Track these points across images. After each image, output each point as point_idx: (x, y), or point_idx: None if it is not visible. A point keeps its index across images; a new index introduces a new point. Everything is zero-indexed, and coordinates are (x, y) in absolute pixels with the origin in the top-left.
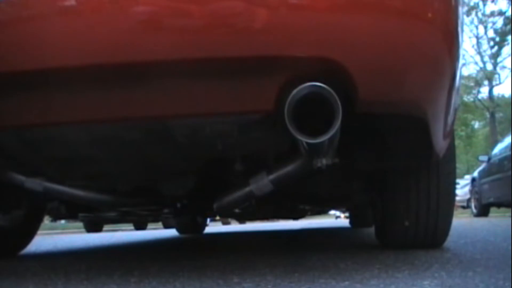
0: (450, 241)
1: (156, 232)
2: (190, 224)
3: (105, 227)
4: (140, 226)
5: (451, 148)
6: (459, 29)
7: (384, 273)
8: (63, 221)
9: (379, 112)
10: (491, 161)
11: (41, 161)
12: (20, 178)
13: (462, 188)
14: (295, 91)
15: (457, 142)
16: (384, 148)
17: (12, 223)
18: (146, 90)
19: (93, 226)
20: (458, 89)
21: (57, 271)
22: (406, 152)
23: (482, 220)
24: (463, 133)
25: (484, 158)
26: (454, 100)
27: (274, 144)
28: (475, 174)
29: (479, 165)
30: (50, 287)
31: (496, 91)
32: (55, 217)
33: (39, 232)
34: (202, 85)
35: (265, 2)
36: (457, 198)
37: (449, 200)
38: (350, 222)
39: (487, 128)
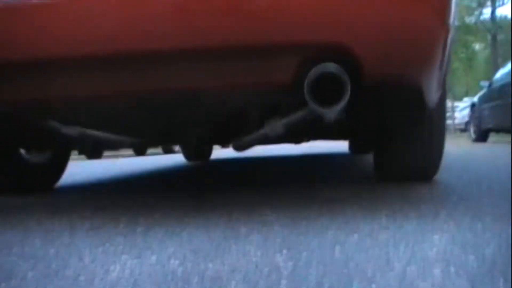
0: (454, 176)
1: (157, 158)
2: (197, 151)
3: (105, 153)
4: (140, 152)
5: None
6: (452, 3)
7: (392, 222)
8: None
9: (382, 84)
10: (492, 86)
11: (83, 117)
12: (58, 125)
13: (461, 111)
14: (313, 70)
15: (457, 64)
16: (383, 107)
17: (46, 160)
18: (182, 67)
19: (94, 153)
20: (449, 51)
21: (61, 219)
22: (403, 108)
23: (481, 147)
24: (463, 55)
25: (485, 83)
26: (446, 61)
27: (290, 102)
28: (475, 99)
29: (479, 89)
30: (56, 240)
31: (499, 12)
32: (85, 155)
33: None
34: (230, 64)
35: None
36: (456, 121)
37: (441, 132)
38: (350, 148)
39: (488, 50)
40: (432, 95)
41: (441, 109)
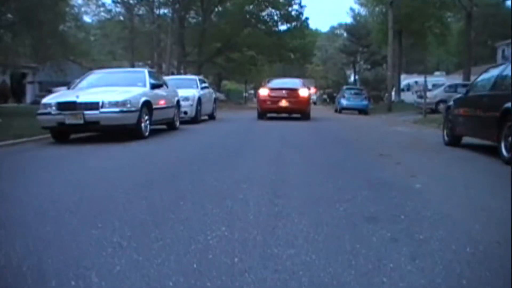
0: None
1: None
2: (264, 115)
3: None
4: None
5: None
6: (310, 100)
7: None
8: None
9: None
10: (469, 94)
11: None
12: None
13: (432, 91)
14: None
15: (430, 38)
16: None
17: None
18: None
19: (61, 136)
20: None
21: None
22: (305, 113)
23: (452, 151)
24: (437, 31)
25: (462, 90)
26: (310, 106)
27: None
28: (451, 102)
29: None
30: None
31: None
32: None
33: None
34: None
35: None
36: (427, 100)
37: (309, 108)
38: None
39: (462, 23)
40: (307, 111)
41: (309, 109)
